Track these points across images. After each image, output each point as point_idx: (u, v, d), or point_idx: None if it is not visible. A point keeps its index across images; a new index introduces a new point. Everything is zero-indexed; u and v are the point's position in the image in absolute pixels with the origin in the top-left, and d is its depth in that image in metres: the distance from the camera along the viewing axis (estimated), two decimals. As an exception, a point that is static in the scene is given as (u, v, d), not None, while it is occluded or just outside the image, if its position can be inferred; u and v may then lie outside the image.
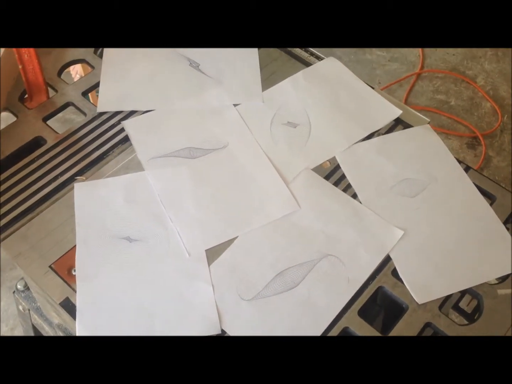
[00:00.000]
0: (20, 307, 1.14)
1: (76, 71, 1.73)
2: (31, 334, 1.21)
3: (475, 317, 0.79)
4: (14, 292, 1.14)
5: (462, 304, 0.85)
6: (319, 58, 1.07)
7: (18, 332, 1.74)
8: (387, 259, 0.82)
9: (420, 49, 2.42)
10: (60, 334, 1.00)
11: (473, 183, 0.90)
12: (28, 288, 1.11)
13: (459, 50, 2.46)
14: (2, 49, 0.94)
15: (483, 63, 2.42)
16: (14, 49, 0.90)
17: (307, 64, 1.07)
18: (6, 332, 1.75)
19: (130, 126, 0.95)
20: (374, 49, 2.43)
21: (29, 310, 1.11)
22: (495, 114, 2.24)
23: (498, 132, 2.20)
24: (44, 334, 1.12)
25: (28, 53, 0.91)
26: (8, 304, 1.81)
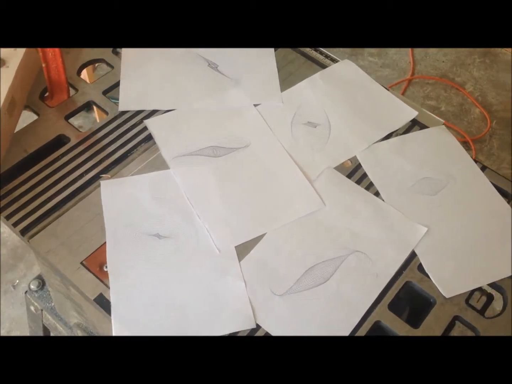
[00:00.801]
0: (32, 308, 1.13)
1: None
2: (40, 335, 1.21)
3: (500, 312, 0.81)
4: (26, 292, 1.13)
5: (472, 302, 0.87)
6: (334, 61, 1.09)
7: (15, 335, 1.72)
8: (413, 254, 0.84)
9: (411, 56, 2.47)
10: (79, 333, 1.00)
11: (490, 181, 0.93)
12: (41, 288, 1.10)
13: (448, 57, 2.51)
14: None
15: (472, 70, 2.48)
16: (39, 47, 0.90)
17: (323, 66, 1.08)
18: (2, 335, 1.73)
19: (152, 125, 0.96)
20: (366, 55, 2.47)
21: (41, 310, 1.11)
22: (484, 120, 2.29)
23: (487, 137, 2.25)
24: (56, 334, 1.12)
25: (52, 52, 0.91)
26: (5, 307, 1.79)
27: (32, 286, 1.10)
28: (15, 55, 0.93)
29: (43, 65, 0.92)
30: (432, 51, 2.53)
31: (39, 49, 0.90)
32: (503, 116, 2.31)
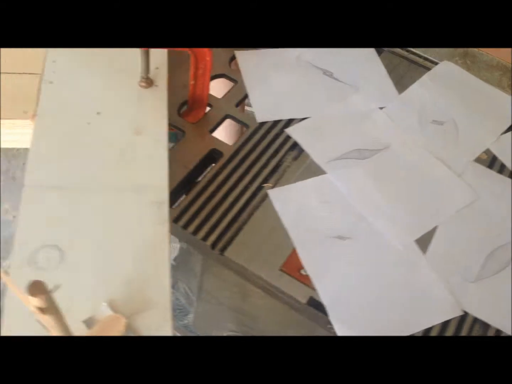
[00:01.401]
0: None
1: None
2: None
3: None
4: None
5: None
6: (433, 62, 1.15)
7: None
8: None
9: (407, 60, 2.57)
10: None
11: None
12: (173, 307, 1.09)
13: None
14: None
15: (461, 71, 2.61)
16: (192, 64, 0.91)
17: (426, 68, 1.14)
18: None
19: (295, 133, 0.98)
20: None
21: (172, 329, 1.10)
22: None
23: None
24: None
25: (203, 68, 0.91)
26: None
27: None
28: (159, 74, 0.93)
29: (192, 82, 0.93)
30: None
31: (192, 64, 0.91)
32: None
